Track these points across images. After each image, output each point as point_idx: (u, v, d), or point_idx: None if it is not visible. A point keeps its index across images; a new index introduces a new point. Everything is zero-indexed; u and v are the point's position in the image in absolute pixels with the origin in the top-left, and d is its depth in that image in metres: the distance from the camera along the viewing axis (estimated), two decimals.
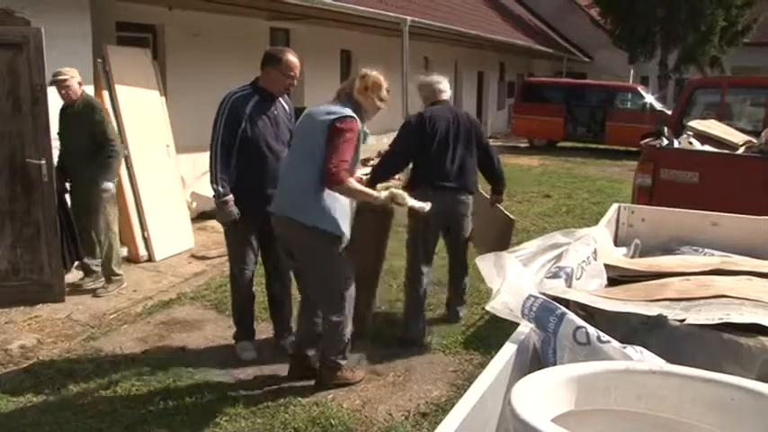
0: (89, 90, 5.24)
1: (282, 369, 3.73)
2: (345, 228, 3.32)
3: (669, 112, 11.33)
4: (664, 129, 5.97)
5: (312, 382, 3.57)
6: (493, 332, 4.12)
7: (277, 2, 7.42)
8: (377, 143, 10.23)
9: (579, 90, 17.30)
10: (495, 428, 1.55)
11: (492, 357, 1.66)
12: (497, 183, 4.55)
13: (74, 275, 5.25)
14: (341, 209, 3.29)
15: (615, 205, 3.44)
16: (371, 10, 9.07)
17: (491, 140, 5.17)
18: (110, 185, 4.91)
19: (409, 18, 9.85)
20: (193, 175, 7.45)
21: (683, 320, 1.92)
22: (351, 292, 3.42)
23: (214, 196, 3.68)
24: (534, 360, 1.79)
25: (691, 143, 5.62)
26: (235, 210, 3.66)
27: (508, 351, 1.67)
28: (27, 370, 3.80)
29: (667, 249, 3.11)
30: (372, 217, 3.94)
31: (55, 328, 4.39)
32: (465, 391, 1.49)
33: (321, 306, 3.52)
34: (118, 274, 5.14)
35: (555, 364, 1.71)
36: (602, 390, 1.49)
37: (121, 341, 4.19)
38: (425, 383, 3.68)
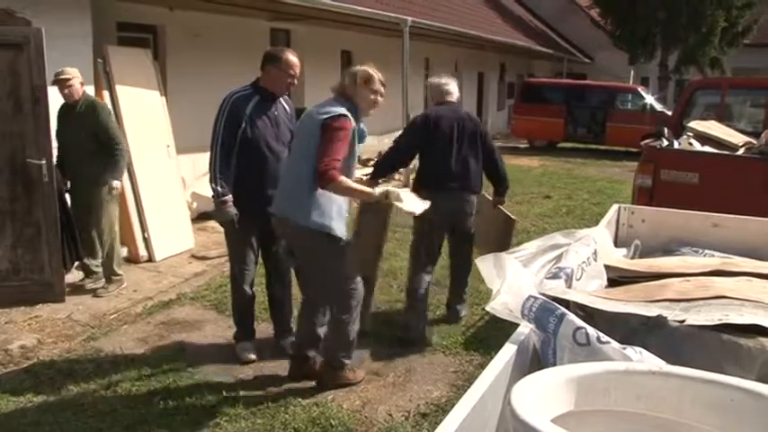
0: (89, 90, 5.24)
1: (282, 369, 3.74)
2: (341, 227, 3.31)
3: (669, 113, 11.33)
4: (664, 130, 5.97)
5: (312, 383, 3.58)
6: (493, 333, 4.13)
7: (276, 2, 7.42)
8: (377, 143, 10.24)
9: (579, 91, 17.29)
10: (494, 429, 1.55)
11: (492, 358, 1.66)
12: (500, 185, 4.56)
13: (74, 276, 5.25)
14: (336, 208, 3.28)
15: (615, 206, 3.45)
16: (372, 10, 9.07)
17: None
18: (118, 184, 4.98)
19: (410, 18, 9.85)
20: (194, 175, 7.46)
21: (683, 321, 1.92)
22: (357, 290, 3.40)
23: (213, 196, 3.68)
24: (534, 361, 1.80)
25: (691, 144, 5.63)
26: (233, 210, 3.66)
27: (508, 352, 1.68)
28: (27, 370, 3.80)
29: (667, 250, 3.11)
30: (371, 217, 3.94)
31: (55, 329, 4.40)
32: (465, 391, 1.49)
33: (325, 305, 3.53)
34: (118, 274, 5.15)
35: (555, 364, 1.72)
36: (601, 390, 1.49)
37: (122, 341, 4.19)
38: (425, 384, 3.68)
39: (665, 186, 5.24)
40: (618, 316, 1.99)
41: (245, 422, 3.22)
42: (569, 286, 2.19)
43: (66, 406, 3.37)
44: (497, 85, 21.24)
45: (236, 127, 3.61)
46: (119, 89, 5.89)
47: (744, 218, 3.18)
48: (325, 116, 3.19)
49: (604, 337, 1.70)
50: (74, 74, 4.83)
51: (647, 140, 5.99)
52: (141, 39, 7.49)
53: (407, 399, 3.52)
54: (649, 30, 20.47)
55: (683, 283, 2.31)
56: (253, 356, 3.91)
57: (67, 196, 5.05)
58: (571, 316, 1.77)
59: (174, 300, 4.96)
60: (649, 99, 16.18)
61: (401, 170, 9.96)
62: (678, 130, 6.45)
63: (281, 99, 3.81)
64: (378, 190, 3.29)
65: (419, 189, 4.14)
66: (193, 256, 6.10)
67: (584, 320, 1.78)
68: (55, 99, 4.81)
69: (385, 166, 4.44)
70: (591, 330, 1.72)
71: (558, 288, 2.08)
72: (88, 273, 5.24)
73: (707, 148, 5.56)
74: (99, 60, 5.83)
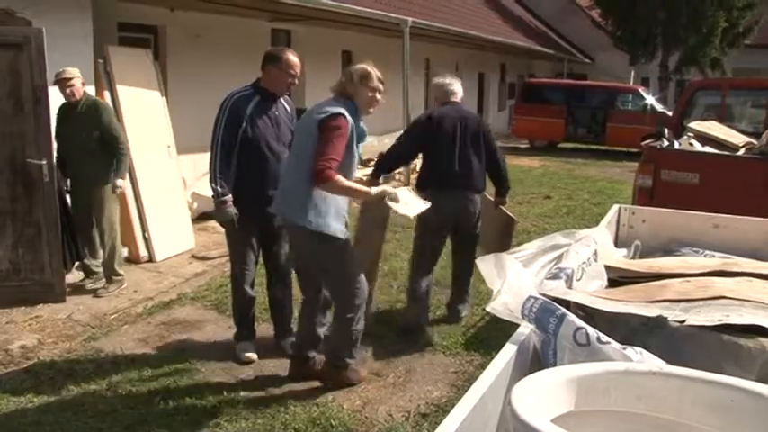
0: (90, 90, 5.24)
1: (283, 370, 3.74)
2: (339, 227, 3.30)
3: (670, 114, 11.33)
4: (664, 130, 5.98)
5: (312, 383, 3.58)
6: (493, 333, 4.13)
7: (276, 2, 7.42)
8: (377, 143, 10.24)
9: (580, 91, 17.29)
10: (495, 429, 1.55)
11: (492, 358, 1.66)
12: (502, 185, 4.57)
13: (74, 276, 5.26)
14: (335, 208, 3.27)
15: (616, 206, 3.45)
16: (372, 11, 9.07)
17: None
18: (123, 182, 5.04)
19: (410, 19, 9.85)
20: (194, 175, 7.46)
21: (683, 322, 1.92)
22: (361, 289, 3.39)
23: (213, 196, 3.68)
24: (534, 361, 1.80)
25: (691, 144, 5.63)
26: (233, 210, 3.66)
27: (508, 352, 1.68)
28: (28, 370, 3.80)
29: (668, 251, 3.12)
30: (371, 217, 3.94)
31: (56, 329, 4.40)
32: (465, 391, 1.49)
33: (328, 305, 3.53)
34: (119, 274, 5.15)
35: (555, 364, 1.72)
36: (602, 390, 1.49)
37: (122, 341, 4.20)
38: (426, 384, 3.68)
39: (666, 187, 5.24)
40: (618, 316, 1.99)
41: (245, 422, 3.22)
42: (570, 287, 2.20)
43: (67, 406, 3.37)
44: (498, 85, 21.24)
45: (237, 127, 3.61)
46: (119, 89, 5.89)
47: (744, 218, 3.18)
48: (321, 115, 3.19)
49: (605, 338, 1.70)
50: (75, 74, 4.83)
51: (647, 141, 6.00)
52: (142, 39, 7.50)
53: (408, 399, 3.52)
54: (650, 30, 20.47)
55: (684, 284, 2.32)
56: (253, 357, 3.91)
57: (68, 196, 5.06)
58: (571, 316, 1.77)
59: (175, 300, 4.97)
60: (650, 99, 16.19)
61: (402, 169, 9.98)
62: (678, 130, 6.45)
63: (281, 99, 3.81)
64: (374, 190, 3.28)
65: (422, 189, 4.19)
66: (194, 257, 6.10)
67: (584, 321, 1.78)
68: (55, 99, 4.82)
69: (387, 164, 4.46)
70: (591, 331, 1.72)
71: (558, 288, 2.08)
72: (88, 273, 5.24)
73: (707, 149, 5.57)
74: (100, 61, 5.83)
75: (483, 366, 2.50)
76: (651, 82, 22.82)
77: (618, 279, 2.57)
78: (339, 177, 3.10)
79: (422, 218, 3.78)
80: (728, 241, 3.07)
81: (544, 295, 1.91)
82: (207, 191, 4.06)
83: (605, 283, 2.52)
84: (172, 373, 3.73)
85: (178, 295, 5.05)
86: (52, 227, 4.78)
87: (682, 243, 3.14)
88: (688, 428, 1.46)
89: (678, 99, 10.82)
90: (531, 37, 20.79)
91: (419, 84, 12.63)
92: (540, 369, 1.63)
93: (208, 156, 3.71)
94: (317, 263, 3.41)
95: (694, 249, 3.04)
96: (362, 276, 3.42)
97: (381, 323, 4.42)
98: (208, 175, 3.75)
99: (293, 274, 3.95)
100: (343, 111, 3.20)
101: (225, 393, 3.49)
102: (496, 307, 1.93)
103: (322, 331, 3.65)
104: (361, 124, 3.34)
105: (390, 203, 3.26)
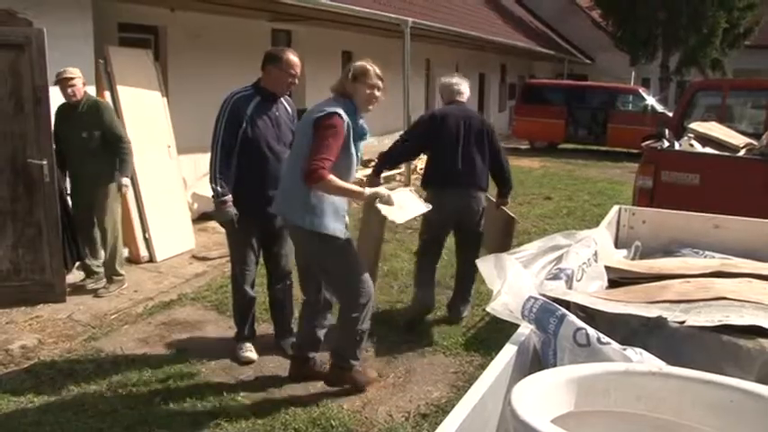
0: (90, 91, 5.25)
1: (283, 370, 3.74)
2: (338, 227, 3.27)
3: (670, 115, 11.33)
4: (665, 131, 5.98)
5: (313, 384, 3.58)
6: (493, 333, 4.13)
7: (276, 2, 7.42)
8: (378, 144, 10.24)
9: (580, 92, 17.28)
10: (495, 429, 1.55)
11: (492, 359, 1.66)
12: (504, 186, 4.58)
13: (75, 276, 5.26)
14: (333, 208, 3.25)
15: (616, 207, 3.45)
16: (373, 11, 9.08)
17: None
18: (128, 181, 5.06)
19: (410, 19, 9.86)
20: (195, 175, 7.46)
21: (683, 322, 1.92)
22: (365, 288, 3.36)
23: (213, 196, 3.69)
24: (534, 361, 1.80)
25: (692, 145, 5.63)
26: (233, 210, 3.66)
27: (508, 352, 1.68)
28: (28, 370, 3.80)
29: (668, 251, 3.11)
30: (370, 217, 3.94)
31: (56, 329, 4.40)
32: (465, 392, 1.50)
33: (330, 306, 3.52)
34: (120, 274, 5.15)
35: (555, 365, 1.72)
36: (601, 391, 1.49)
37: (122, 341, 4.20)
38: (426, 385, 3.68)
39: (666, 187, 5.24)
40: (618, 317, 1.99)
41: (245, 422, 3.22)
42: (570, 287, 2.20)
43: (67, 406, 3.37)
44: (498, 86, 21.24)
45: (237, 127, 3.61)
46: (120, 90, 5.90)
47: (744, 219, 3.18)
48: (316, 115, 3.18)
49: (605, 338, 1.70)
50: (76, 74, 4.84)
51: (647, 142, 6.00)
52: (142, 39, 7.50)
53: (408, 399, 3.52)
54: (650, 31, 20.47)
55: (684, 285, 2.32)
56: (253, 357, 3.91)
57: (67, 197, 5.06)
58: (571, 317, 1.77)
59: (175, 300, 4.97)
60: (650, 100, 16.19)
61: (402, 169, 9.99)
62: (679, 131, 6.45)
63: (282, 99, 3.81)
64: (368, 191, 3.25)
65: (426, 187, 4.23)
66: (194, 257, 6.10)
67: (584, 321, 1.78)
68: (56, 99, 4.82)
69: (388, 160, 4.50)
70: (591, 331, 1.72)
71: (558, 289, 2.08)
72: (89, 273, 5.24)
73: (708, 150, 5.57)
74: (100, 61, 5.84)
75: (483, 367, 2.50)
76: (651, 82, 22.82)
77: (618, 280, 2.56)
78: (332, 177, 3.07)
79: (425, 215, 3.80)
80: (729, 242, 3.07)
81: (544, 296, 1.91)
82: (207, 191, 4.06)
83: (605, 283, 2.52)
84: (172, 373, 3.73)
85: (178, 295, 5.06)
86: (53, 227, 4.79)
87: (682, 244, 3.14)
88: (688, 429, 1.47)
89: (678, 100, 10.82)
90: (532, 37, 20.79)
91: (419, 84, 12.62)
92: (539, 370, 1.63)
93: (208, 156, 3.71)
94: (317, 263, 3.40)
95: (694, 250, 3.04)
96: (367, 276, 3.40)
97: (381, 323, 4.41)
98: (208, 176, 3.75)
99: (294, 275, 3.95)
100: (338, 110, 3.17)
101: (225, 393, 3.49)
102: (496, 307, 1.93)
103: (322, 332, 3.64)
104: (363, 123, 3.31)
105: (380, 206, 3.23)
